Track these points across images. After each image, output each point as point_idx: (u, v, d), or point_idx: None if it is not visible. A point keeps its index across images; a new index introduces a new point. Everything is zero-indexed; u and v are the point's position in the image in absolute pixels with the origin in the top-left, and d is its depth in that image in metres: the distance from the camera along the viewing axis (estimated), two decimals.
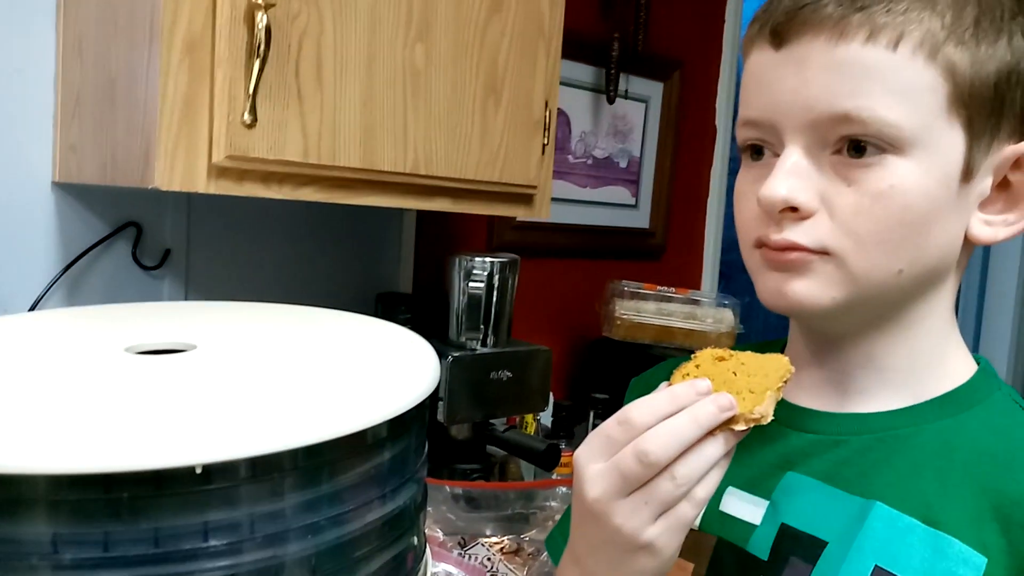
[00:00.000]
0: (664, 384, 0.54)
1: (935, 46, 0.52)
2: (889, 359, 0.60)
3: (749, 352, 0.55)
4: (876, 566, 0.54)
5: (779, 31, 0.55)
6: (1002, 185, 0.56)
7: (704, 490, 0.50)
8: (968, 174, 0.54)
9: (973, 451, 0.56)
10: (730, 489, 0.63)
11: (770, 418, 0.50)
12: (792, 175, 0.54)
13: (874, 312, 0.58)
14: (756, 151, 0.59)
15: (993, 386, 0.60)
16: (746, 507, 0.62)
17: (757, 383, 0.52)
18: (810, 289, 0.55)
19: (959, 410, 0.58)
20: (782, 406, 0.59)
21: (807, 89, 0.53)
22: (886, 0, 0.52)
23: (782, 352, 0.69)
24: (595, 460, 0.52)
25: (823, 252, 0.54)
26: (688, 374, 0.54)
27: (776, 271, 0.56)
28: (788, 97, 0.54)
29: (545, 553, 1.03)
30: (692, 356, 0.56)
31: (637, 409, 0.51)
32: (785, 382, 0.52)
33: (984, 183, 0.56)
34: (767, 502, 0.61)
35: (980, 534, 0.53)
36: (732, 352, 0.55)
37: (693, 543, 0.62)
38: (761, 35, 0.57)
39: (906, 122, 0.52)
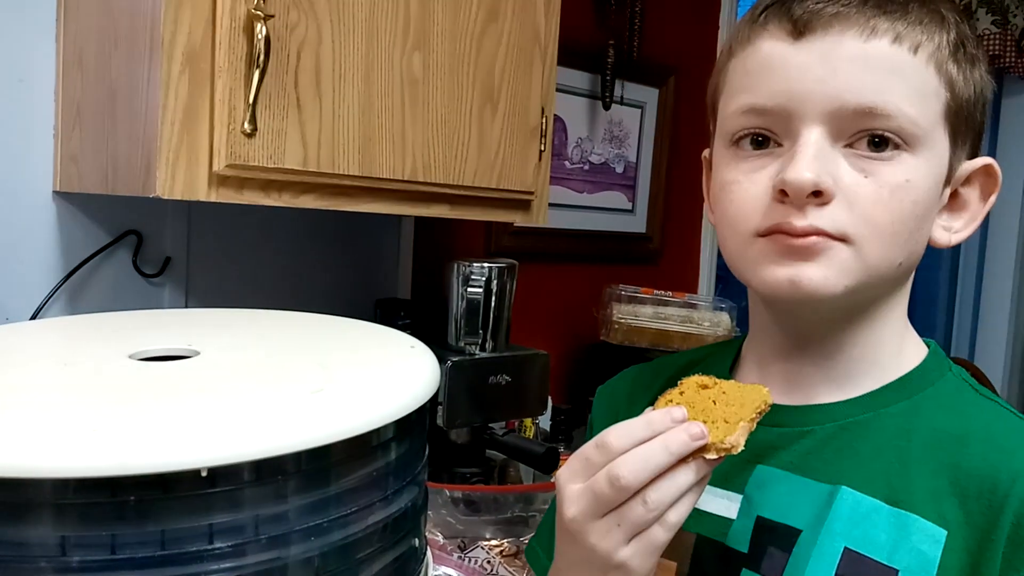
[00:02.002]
0: (649, 409, 0.55)
1: (941, 60, 0.57)
2: (857, 349, 0.62)
3: (732, 382, 0.57)
4: (845, 548, 0.57)
5: (804, 21, 0.56)
6: (952, 196, 0.61)
7: (676, 515, 0.52)
8: (948, 180, 0.59)
9: (929, 431, 0.59)
10: None
11: (740, 448, 0.52)
12: (816, 159, 0.55)
13: (864, 301, 0.60)
14: (756, 141, 0.59)
15: (944, 367, 0.63)
16: (721, 502, 0.64)
17: (733, 413, 0.54)
18: (825, 276, 0.56)
19: (914, 392, 0.61)
20: None
21: (834, 79, 0.55)
22: (904, 12, 0.56)
23: (739, 350, 0.71)
24: (574, 480, 0.54)
25: (842, 238, 0.56)
26: (671, 400, 0.56)
27: (789, 258, 0.56)
28: (812, 87, 0.56)
29: None
30: (679, 383, 0.58)
31: (614, 433, 0.53)
32: (760, 413, 0.54)
33: (946, 192, 0.60)
34: (741, 496, 0.63)
35: (940, 509, 0.56)
36: (716, 380, 0.57)
37: (674, 541, 0.63)
38: (776, 24, 0.58)
39: (923, 119, 0.56)
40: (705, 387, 0.56)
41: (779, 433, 0.63)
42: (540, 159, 1.18)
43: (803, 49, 0.56)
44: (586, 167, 1.84)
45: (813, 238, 0.55)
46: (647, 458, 0.51)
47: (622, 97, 1.85)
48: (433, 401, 1.19)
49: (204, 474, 0.43)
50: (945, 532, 0.55)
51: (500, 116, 1.11)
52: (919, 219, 0.57)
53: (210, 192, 0.87)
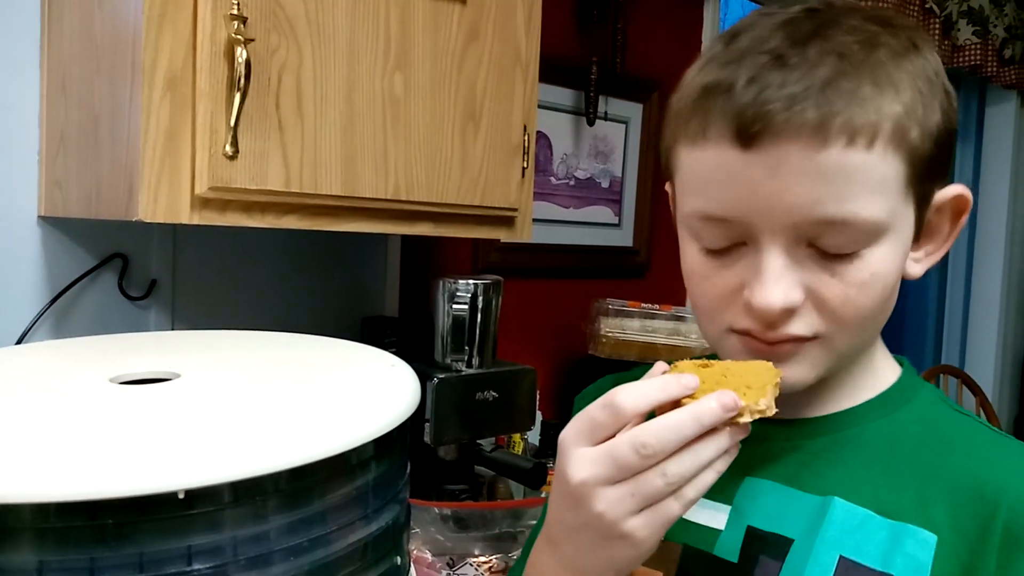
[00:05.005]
0: (660, 369, 0.55)
1: (900, 134, 0.53)
2: (836, 378, 0.62)
3: (730, 360, 0.56)
4: (840, 556, 0.58)
5: (749, 134, 0.52)
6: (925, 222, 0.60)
7: (694, 490, 0.51)
8: (918, 236, 0.58)
9: (912, 444, 0.60)
10: None
11: (774, 411, 0.51)
12: (782, 279, 0.54)
13: None
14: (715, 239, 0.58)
15: (917, 384, 0.65)
16: (708, 513, 0.63)
17: (753, 380, 0.53)
18: (799, 374, 0.57)
19: (894, 408, 0.63)
20: None
21: (788, 195, 0.52)
22: (856, 94, 0.52)
23: None
24: (580, 442, 0.52)
25: (812, 337, 0.56)
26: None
27: (764, 356, 0.57)
28: (765, 202, 0.53)
29: None
30: (673, 365, 0.56)
31: (625, 394, 0.51)
32: (777, 384, 0.53)
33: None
34: (729, 507, 0.63)
35: (928, 515, 0.57)
36: (712, 360, 0.57)
37: (659, 552, 0.63)
38: (724, 127, 0.54)
39: (882, 216, 0.53)
40: (705, 366, 0.55)
41: (768, 446, 0.63)
42: (523, 176, 1.19)
43: (753, 161, 0.53)
44: (572, 183, 1.86)
45: (787, 345, 0.56)
46: (674, 428, 0.49)
47: (606, 113, 1.86)
48: (420, 418, 1.20)
49: (181, 496, 0.43)
50: (935, 537, 0.56)
51: (482, 134, 1.12)
52: (888, 297, 0.57)
53: (193, 215, 0.88)
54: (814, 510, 0.60)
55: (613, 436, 0.51)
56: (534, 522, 1.11)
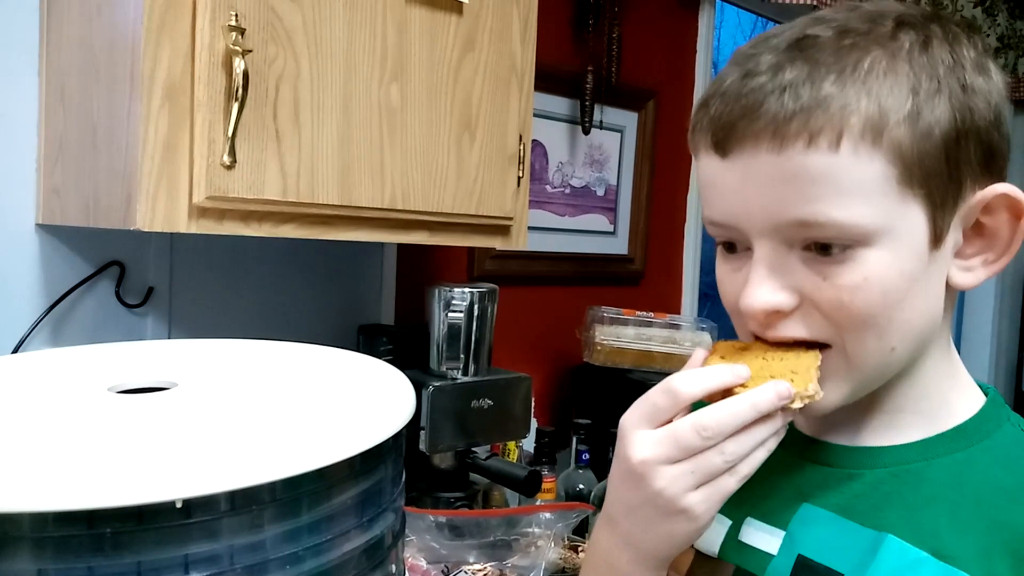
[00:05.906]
0: (700, 356, 0.58)
1: (877, 130, 0.51)
2: (895, 404, 0.61)
3: (763, 343, 0.58)
4: None
5: (720, 143, 0.55)
6: (975, 227, 0.56)
7: (748, 466, 0.53)
8: (937, 240, 0.54)
9: (984, 485, 0.56)
10: (748, 519, 0.63)
11: (821, 395, 0.54)
12: (766, 281, 0.55)
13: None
14: (728, 245, 0.60)
15: (1002, 417, 0.60)
16: (763, 537, 0.62)
17: (796, 365, 0.55)
18: (824, 393, 0.56)
19: (969, 443, 0.58)
20: (798, 439, 0.63)
21: (759, 200, 0.54)
22: (818, 97, 0.51)
23: None
24: (640, 425, 0.55)
25: (823, 342, 0.56)
26: (723, 358, 0.57)
27: None
28: (745, 206, 0.55)
29: None
30: (712, 348, 0.60)
31: (681, 380, 0.54)
32: (819, 368, 0.55)
33: (956, 235, 0.56)
34: (783, 532, 0.61)
35: (990, 568, 0.53)
36: (749, 344, 0.59)
37: (711, 571, 0.63)
38: (704, 141, 0.57)
39: (864, 218, 0.52)
40: (746, 349, 0.58)
41: (827, 473, 0.61)
42: (519, 184, 1.19)
43: (729, 168, 0.55)
44: (567, 191, 1.87)
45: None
46: (736, 414, 0.52)
47: (601, 122, 1.87)
48: (415, 426, 1.20)
49: (179, 505, 0.44)
50: None
51: (478, 144, 1.13)
52: (897, 304, 0.54)
53: (190, 224, 0.88)
54: (867, 545, 0.57)
55: (671, 420, 0.54)
56: (529, 529, 1.11)
